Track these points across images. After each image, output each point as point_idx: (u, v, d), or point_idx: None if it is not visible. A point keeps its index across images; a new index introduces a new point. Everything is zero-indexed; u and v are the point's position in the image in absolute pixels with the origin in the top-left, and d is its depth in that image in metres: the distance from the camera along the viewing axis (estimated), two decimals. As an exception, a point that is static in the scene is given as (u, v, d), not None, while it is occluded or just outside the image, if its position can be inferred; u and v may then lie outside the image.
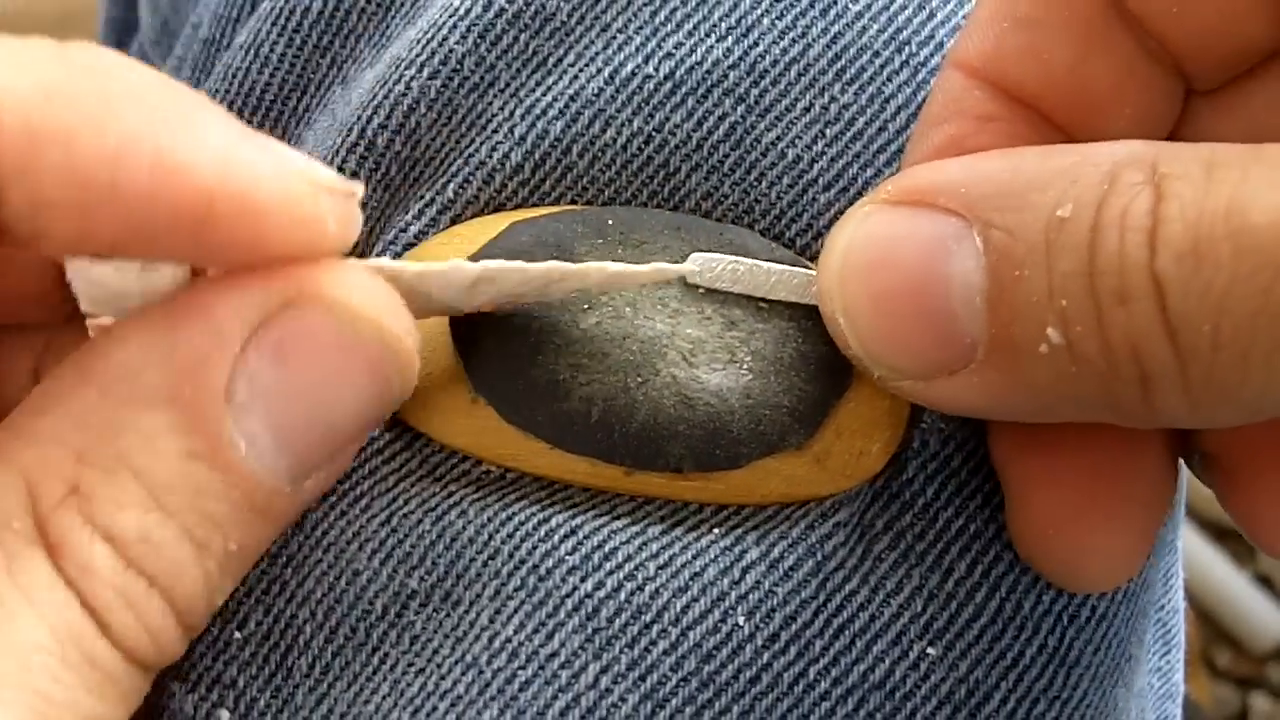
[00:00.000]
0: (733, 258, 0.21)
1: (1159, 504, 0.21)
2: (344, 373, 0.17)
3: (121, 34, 0.39)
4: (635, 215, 0.22)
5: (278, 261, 0.17)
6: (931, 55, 0.23)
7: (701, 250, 0.21)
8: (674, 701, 0.19)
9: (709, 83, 0.22)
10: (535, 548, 0.20)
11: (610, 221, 0.22)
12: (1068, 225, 0.15)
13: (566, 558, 0.20)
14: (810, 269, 0.21)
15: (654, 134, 0.22)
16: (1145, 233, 0.15)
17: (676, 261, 0.21)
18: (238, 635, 0.21)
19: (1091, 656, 0.22)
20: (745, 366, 0.21)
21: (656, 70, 0.22)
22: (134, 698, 0.16)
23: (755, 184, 0.22)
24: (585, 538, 0.20)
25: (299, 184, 0.16)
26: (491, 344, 0.21)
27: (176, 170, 0.15)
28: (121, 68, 0.16)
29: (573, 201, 0.22)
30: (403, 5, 0.24)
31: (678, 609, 0.20)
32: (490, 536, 0.21)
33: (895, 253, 0.18)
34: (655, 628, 0.20)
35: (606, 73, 0.22)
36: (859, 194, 0.22)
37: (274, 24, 0.25)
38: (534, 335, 0.21)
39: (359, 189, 0.17)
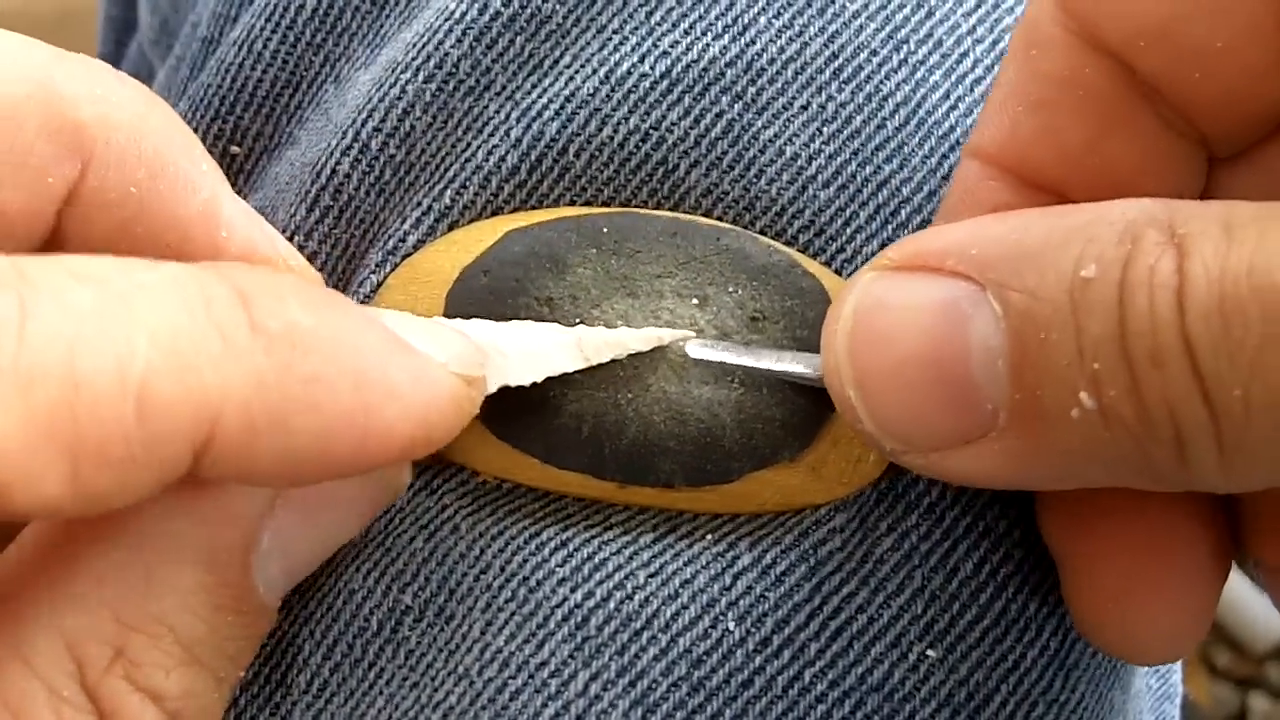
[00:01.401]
0: (732, 354, 0.20)
1: (1218, 571, 0.20)
2: (356, 508, 0.19)
3: (121, 33, 0.39)
4: (630, 221, 0.21)
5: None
6: (930, 54, 0.23)
7: (696, 257, 0.21)
8: (664, 706, 0.19)
9: (706, 80, 0.22)
10: (526, 560, 0.20)
11: (605, 229, 0.21)
12: (1093, 285, 0.15)
13: (557, 569, 0.20)
14: (806, 354, 0.20)
15: (651, 132, 0.22)
16: (1174, 292, 0.14)
17: (671, 271, 0.21)
18: None
19: (1090, 659, 0.22)
20: (737, 381, 0.21)
21: (652, 69, 0.22)
22: None
23: (755, 180, 0.22)
24: (576, 549, 0.20)
25: (458, 407, 0.17)
26: None
27: (381, 447, 0.16)
28: (319, 334, 0.16)
29: (571, 203, 0.22)
30: (397, 4, 0.24)
31: (667, 616, 0.20)
32: (482, 551, 0.21)
33: (907, 321, 0.17)
34: (645, 635, 0.20)
35: (602, 72, 0.22)
36: (859, 191, 0.22)
37: (268, 19, 0.25)
38: None
39: (487, 383, 0.18)
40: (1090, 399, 0.15)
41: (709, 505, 0.21)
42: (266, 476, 0.15)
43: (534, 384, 0.20)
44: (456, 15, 0.23)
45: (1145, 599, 0.19)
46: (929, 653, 0.20)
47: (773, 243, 0.22)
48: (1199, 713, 0.81)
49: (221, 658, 0.17)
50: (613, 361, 0.20)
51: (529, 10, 0.23)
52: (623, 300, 0.21)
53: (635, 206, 0.22)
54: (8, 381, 0.13)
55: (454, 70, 0.23)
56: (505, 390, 0.20)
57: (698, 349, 0.20)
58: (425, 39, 0.23)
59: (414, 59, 0.23)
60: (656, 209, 0.22)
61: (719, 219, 0.22)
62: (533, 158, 0.22)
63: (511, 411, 0.20)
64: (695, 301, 0.21)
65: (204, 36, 0.27)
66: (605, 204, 0.22)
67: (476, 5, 0.23)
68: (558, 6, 0.23)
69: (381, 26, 0.24)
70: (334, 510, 0.19)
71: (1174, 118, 0.18)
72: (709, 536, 0.21)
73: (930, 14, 0.23)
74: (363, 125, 0.23)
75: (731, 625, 0.20)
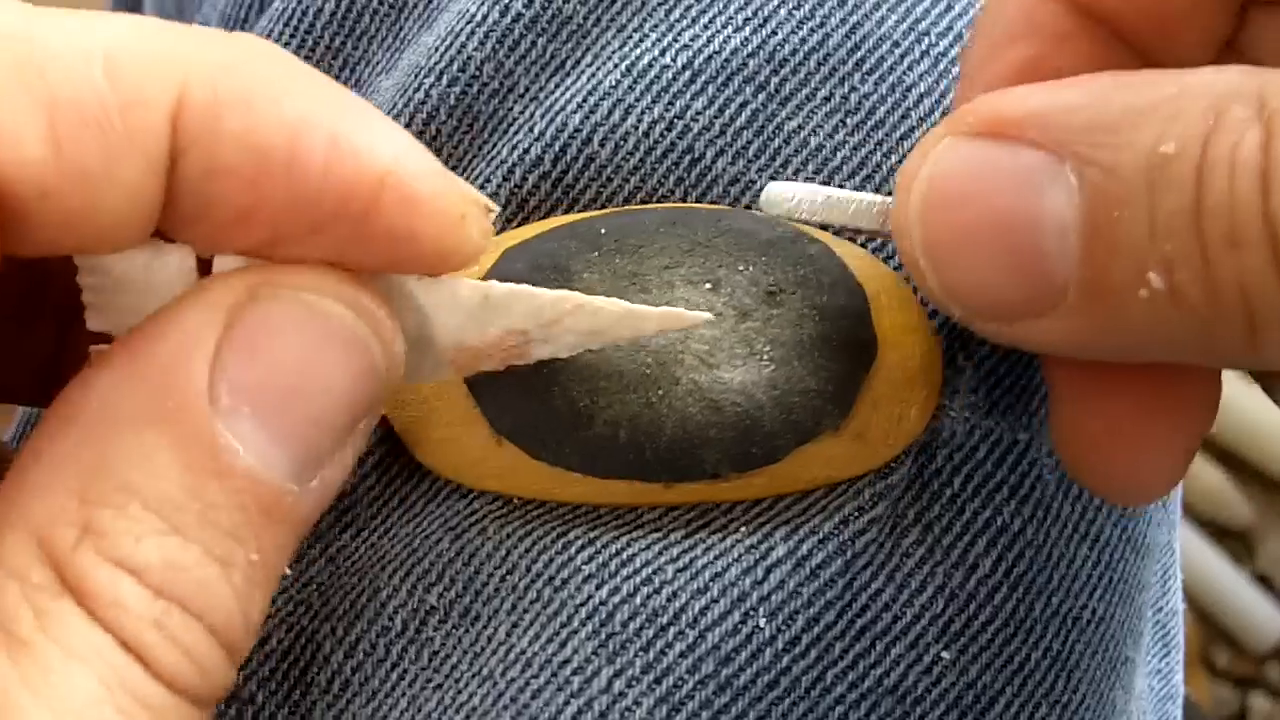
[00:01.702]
0: (809, 187, 0.19)
1: (1207, 411, 0.20)
2: (320, 355, 0.16)
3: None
4: (626, 218, 0.21)
5: (421, 261, 0.17)
6: (951, 46, 0.23)
7: (699, 242, 0.21)
8: (690, 705, 0.19)
9: (728, 71, 0.22)
10: (552, 560, 0.20)
11: (603, 230, 0.21)
12: (1172, 163, 0.14)
13: (583, 567, 0.20)
14: (884, 198, 0.20)
15: (676, 120, 0.22)
16: (1257, 171, 0.14)
17: (678, 260, 0.21)
18: (257, 651, 0.21)
19: (1090, 660, 0.22)
20: (766, 357, 0.20)
21: (674, 60, 0.22)
22: None
23: (781, 170, 0.22)
24: (603, 546, 0.20)
25: (453, 188, 0.17)
26: (504, 381, 0.20)
27: (353, 151, 0.16)
28: (299, 62, 0.16)
29: (597, 193, 0.22)
30: (415, 7, 0.24)
31: (696, 610, 0.20)
32: (508, 552, 0.21)
33: (982, 187, 0.16)
34: (671, 630, 0.20)
35: (624, 66, 0.22)
36: (884, 182, 0.22)
37: (285, 24, 0.25)
38: (545, 366, 0.20)
39: (495, 207, 0.18)
40: (1159, 279, 0.15)
41: (757, 490, 0.20)
42: (234, 171, 0.15)
43: (561, 398, 0.20)
44: (478, 18, 0.23)
45: (1138, 435, 0.19)
46: (943, 654, 0.20)
47: (774, 216, 0.21)
48: (1199, 713, 0.82)
49: (213, 530, 0.15)
50: (634, 363, 0.20)
51: (550, 11, 0.23)
52: (635, 297, 0.20)
53: (662, 194, 0.22)
54: None
55: (477, 73, 0.23)
56: (531, 408, 0.20)
57: (773, 203, 0.20)
58: (447, 42, 0.23)
59: (436, 63, 0.23)
60: (684, 198, 0.22)
61: (748, 207, 0.22)
62: (556, 147, 0.22)
63: (543, 431, 0.20)
64: (708, 286, 0.21)
65: None
66: (632, 194, 0.22)
67: (498, 7, 0.23)
68: (578, 7, 0.23)
69: (401, 29, 0.25)
70: (292, 356, 0.16)
71: None
72: (743, 529, 0.20)
73: (950, 7, 0.23)
74: None
75: (763, 622, 0.20)
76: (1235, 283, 0.14)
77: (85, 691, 0.14)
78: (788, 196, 0.20)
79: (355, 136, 0.16)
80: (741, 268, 0.21)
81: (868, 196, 0.20)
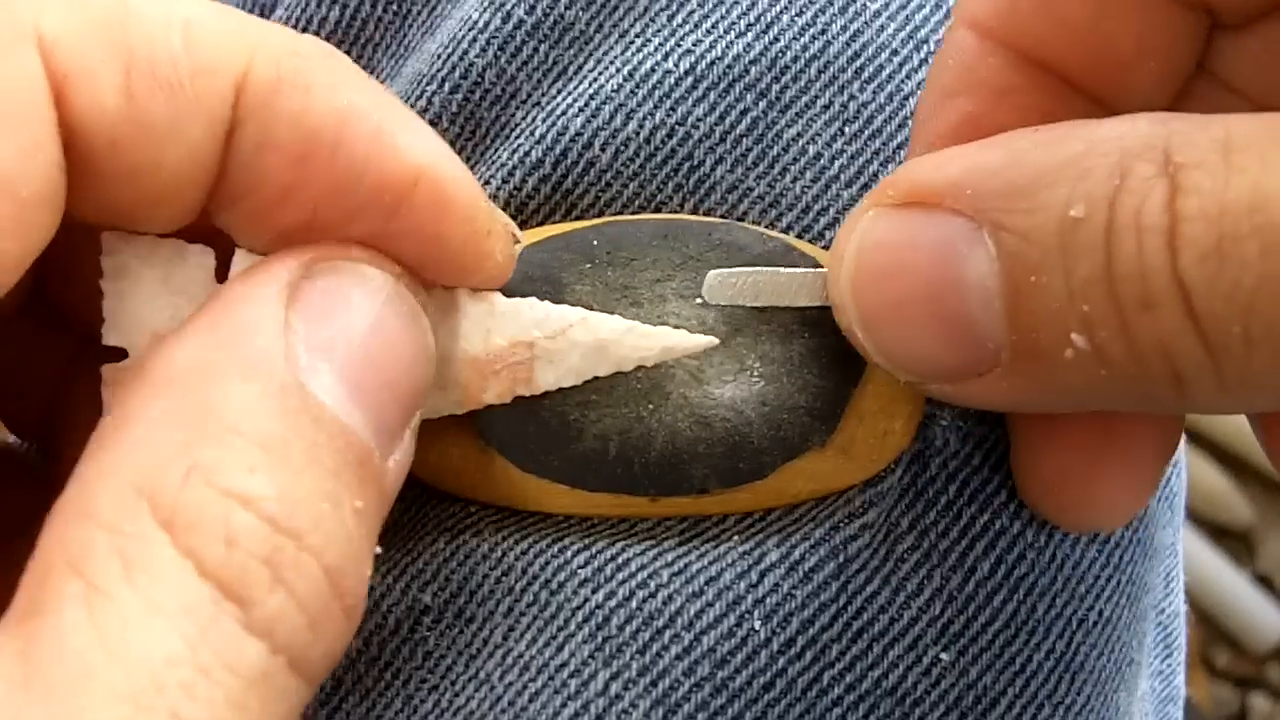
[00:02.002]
0: (748, 271, 0.20)
1: (1167, 446, 0.20)
2: (384, 322, 0.17)
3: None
4: (620, 230, 0.21)
5: (445, 265, 0.18)
6: None
7: (691, 256, 0.21)
8: (686, 707, 0.19)
9: (730, 77, 0.22)
10: (548, 563, 0.20)
11: (595, 241, 0.21)
12: (1081, 227, 0.15)
13: (579, 570, 0.20)
14: (822, 270, 0.20)
15: (677, 127, 0.22)
16: (1164, 233, 0.14)
17: (670, 274, 0.21)
18: None
19: (1095, 661, 0.22)
20: (756, 373, 0.20)
21: (676, 65, 0.22)
22: (285, 709, 0.14)
23: (780, 178, 0.22)
24: (598, 551, 0.20)
25: (484, 202, 0.18)
26: None
27: (395, 145, 0.17)
28: (352, 63, 0.17)
29: (596, 197, 0.22)
30: (419, 15, 0.24)
31: (691, 614, 0.20)
32: (504, 554, 0.21)
33: (906, 259, 0.17)
34: (667, 633, 0.20)
35: (625, 70, 0.22)
36: None
37: None
38: None
39: (522, 237, 0.19)
40: (1083, 340, 0.15)
41: (742, 505, 0.21)
42: (284, 147, 0.16)
43: (552, 410, 0.20)
44: (480, 25, 0.23)
45: (1096, 476, 0.20)
46: (942, 656, 0.20)
47: (764, 230, 0.21)
48: (1199, 713, 0.81)
49: (319, 468, 0.15)
50: (627, 377, 0.20)
51: (552, 17, 0.23)
52: (627, 310, 0.21)
53: (661, 201, 0.22)
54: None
55: (479, 80, 0.23)
56: (522, 420, 0.20)
57: (714, 295, 0.20)
58: (449, 49, 0.23)
59: (439, 70, 0.23)
60: (682, 204, 0.22)
61: (743, 215, 0.22)
62: (557, 151, 0.22)
63: (534, 444, 0.20)
64: (699, 301, 0.21)
65: None
66: (630, 199, 0.22)
67: (500, 14, 0.23)
68: (580, 13, 0.23)
69: (405, 37, 0.25)
70: (358, 319, 0.16)
71: None
72: (736, 537, 0.21)
73: (949, 14, 0.23)
74: None
75: (758, 625, 0.20)
76: (1155, 342, 0.15)
77: (165, 650, 0.13)
78: (731, 284, 0.20)
79: (398, 133, 0.17)
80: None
81: (807, 272, 0.20)
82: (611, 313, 0.20)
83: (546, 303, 0.19)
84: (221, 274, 0.18)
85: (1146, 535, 0.23)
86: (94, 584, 0.13)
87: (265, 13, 0.26)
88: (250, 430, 0.15)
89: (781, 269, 0.20)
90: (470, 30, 0.23)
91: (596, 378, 0.20)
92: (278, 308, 0.16)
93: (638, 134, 0.22)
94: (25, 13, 0.15)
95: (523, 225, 0.22)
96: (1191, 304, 0.14)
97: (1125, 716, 0.23)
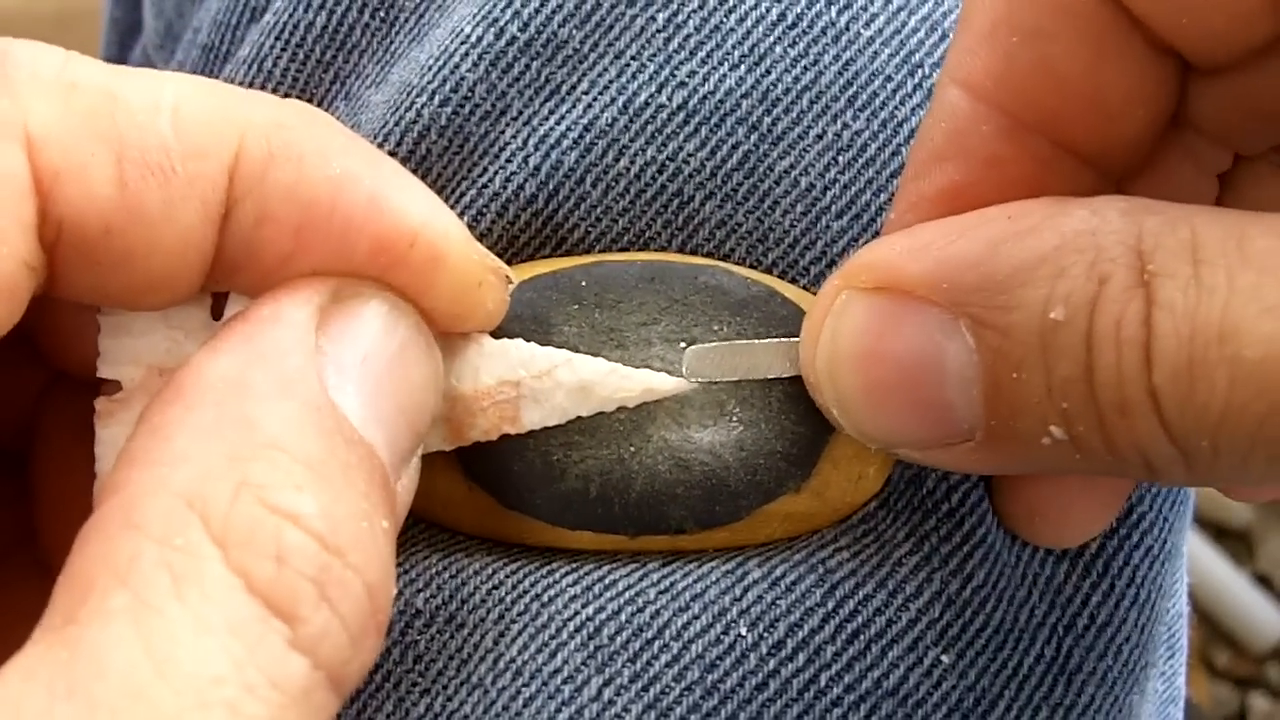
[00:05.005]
0: (726, 345, 0.21)
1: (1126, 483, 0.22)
2: (403, 350, 0.17)
3: (125, 36, 0.39)
4: (608, 271, 0.21)
5: (437, 316, 0.18)
6: None
7: (677, 299, 0.21)
8: (678, 710, 0.20)
9: (722, 111, 0.22)
10: (538, 581, 0.21)
11: (583, 282, 0.21)
12: (1062, 330, 0.15)
13: (569, 588, 0.21)
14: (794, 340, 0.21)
15: (668, 163, 0.22)
16: (1141, 347, 0.15)
17: (655, 317, 0.21)
18: None
19: (1097, 663, 0.22)
20: (735, 418, 0.21)
21: (670, 100, 0.22)
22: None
23: (769, 212, 0.22)
24: (587, 572, 0.21)
25: (476, 254, 0.18)
26: None
27: (391, 209, 0.17)
28: (343, 127, 0.18)
29: (586, 233, 0.22)
30: (406, 22, 0.24)
31: (679, 626, 0.20)
32: (494, 571, 0.21)
33: (885, 347, 0.17)
34: (657, 643, 0.20)
35: (620, 102, 0.22)
36: (871, 221, 0.22)
37: (276, 38, 0.25)
38: None
39: (515, 278, 0.19)
40: (1060, 431, 0.16)
41: (718, 543, 0.21)
42: (281, 219, 0.17)
43: (535, 449, 0.20)
44: (472, 39, 0.23)
45: (1069, 508, 0.21)
46: (943, 658, 0.21)
47: (750, 273, 0.22)
48: (1199, 713, 0.81)
49: (354, 489, 0.15)
50: (609, 418, 0.20)
51: (545, 35, 0.22)
52: (612, 353, 0.21)
53: (649, 237, 0.22)
54: (51, 88, 0.16)
55: (469, 94, 0.23)
56: (505, 458, 0.20)
57: (695, 369, 0.21)
58: (440, 63, 0.23)
59: (429, 82, 0.23)
60: (670, 240, 0.22)
61: (731, 251, 0.22)
62: (550, 186, 0.22)
63: (518, 482, 0.21)
64: (683, 345, 0.21)
65: (204, 44, 0.27)
66: (619, 235, 0.22)
67: (493, 30, 0.23)
68: (574, 31, 0.23)
69: (391, 43, 0.24)
70: (379, 345, 0.17)
71: (1157, 40, 0.18)
72: (717, 560, 0.21)
73: (944, 38, 0.23)
74: (378, 149, 0.22)
75: (744, 630, 0.20)
76: (1130, 442, 0.15)
77: (213, 669, 0.13)
78: (709, 359, 0.21)
79: (393, 196, 0.17)
80: (716, 327, 0.21)
81: (781, 342, 0.21)
82: (597, 354, 0.20)
83: (533, 344, 0.20)
84: (217, 311, 0.18)
85: (1157, 540, 0.23)
86: (141, 597, 0.13)
87: (255, 17, 0.26)
88: (293, 448, 0.15)
89: (756, 342, 0.21)
90: (462, 44, 0.23)
91: (580, 417, 0.20)
92: (309, 330, 0.16)
93: (629, 170, 0.22)
94: (12, 112, 0.15)
95: (513, 259, 0.23)
96: (1163, 416, 0.15)
97: (1136, 718, 0.23)
